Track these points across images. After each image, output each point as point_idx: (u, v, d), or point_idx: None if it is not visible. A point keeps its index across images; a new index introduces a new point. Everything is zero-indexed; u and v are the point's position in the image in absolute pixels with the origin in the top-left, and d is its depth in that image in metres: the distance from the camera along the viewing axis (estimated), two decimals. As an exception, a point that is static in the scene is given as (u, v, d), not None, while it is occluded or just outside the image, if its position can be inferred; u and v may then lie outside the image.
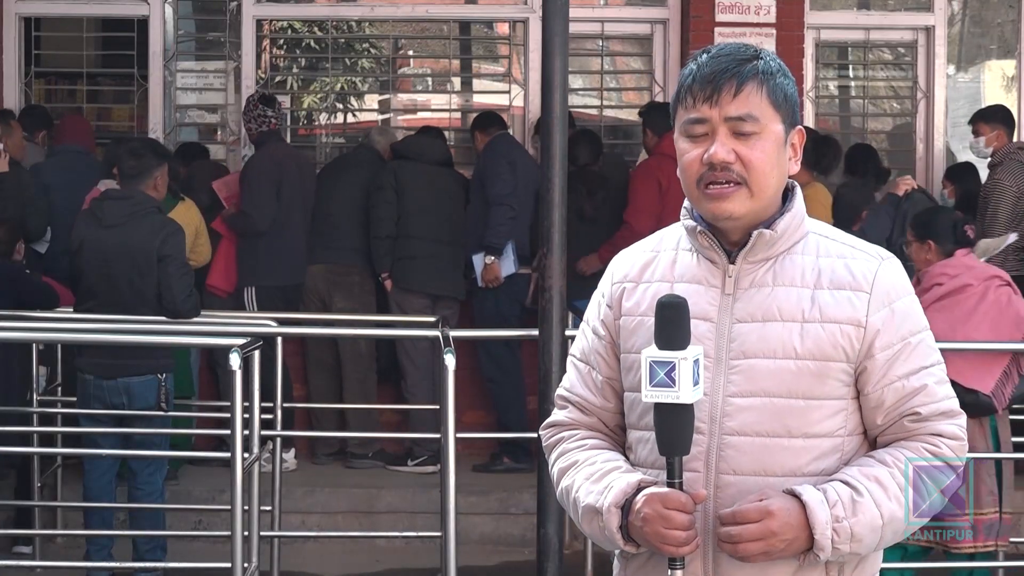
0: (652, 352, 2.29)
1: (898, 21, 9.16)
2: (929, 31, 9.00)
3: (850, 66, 9.50)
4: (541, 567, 5.44)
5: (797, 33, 8.57)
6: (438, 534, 5.63)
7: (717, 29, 8.40)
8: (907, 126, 9.16)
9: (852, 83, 9.51)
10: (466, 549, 6.28)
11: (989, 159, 8.08)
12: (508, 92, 9.10)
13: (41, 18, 9.00)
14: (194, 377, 7.74)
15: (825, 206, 7.35)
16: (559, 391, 2.62)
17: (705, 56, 2.43)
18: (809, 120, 8.79)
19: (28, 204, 7.43)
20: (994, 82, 9.49)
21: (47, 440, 7.05)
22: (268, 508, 6.10)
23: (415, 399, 7.91)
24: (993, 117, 8.15)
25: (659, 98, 8.75)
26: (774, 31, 8.44)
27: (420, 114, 9.73)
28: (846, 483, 2.33)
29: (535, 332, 5.64)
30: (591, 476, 2.44)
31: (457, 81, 9.52)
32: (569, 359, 2.63)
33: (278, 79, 9.50)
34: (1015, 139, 8.25)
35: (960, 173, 8.25)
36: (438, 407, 6.92)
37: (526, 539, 6.80)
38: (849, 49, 9.37)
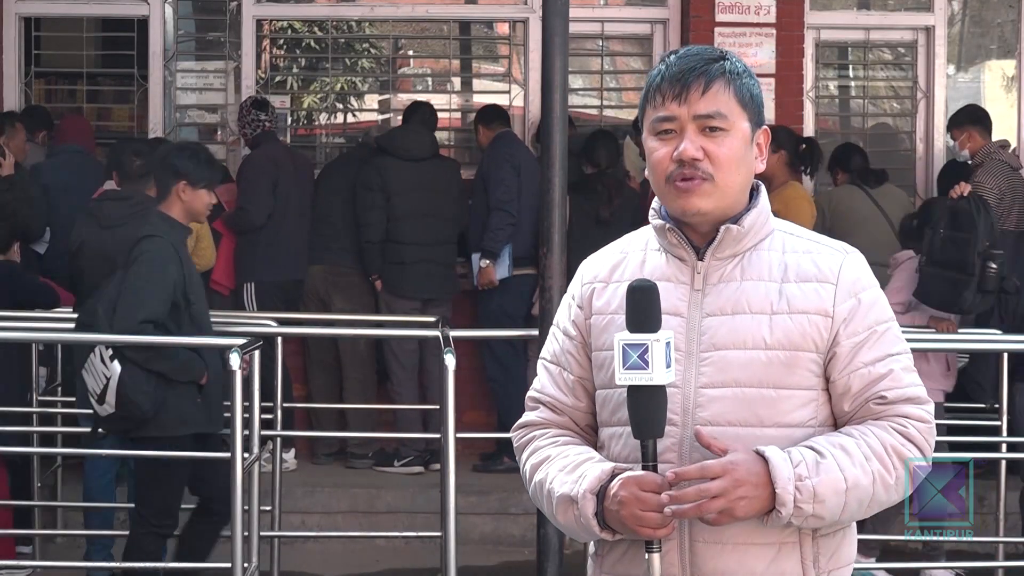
0: (624, 335, 2.33)
1: (898, 21, 9.16)
2: (929, 31, 9.00)
3: (850, 66, 9.50)
4: (541, 567, 5.44)
5: (797, 33, 8.57)
6: (438, 534, 5.62)
7: (717, 29, 8.41)
8: (907, 126, 9.16)
9: (852, 83, 9.51)
10: (466, 549, 6.27)
11: (970, 161, 8.05)
12: (508, 92, 9.09)
13: (41, 18, 9.00)
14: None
15: (802, 208, 7.24)
16: (530, 393, 2.65)
17: (673, 57, 2.48)
18: (809, 120, 8.79)
19: (28, 205, 7.43)
20: (994, 82, 9.49)
21: (47, 440, 7.06)
22: (268, 508, 6.10)
23: (401, 399, 7.91)
24: (961, 120, 8.08)
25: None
26: (774, 31, 8.44)
27: (420, 114, 9.72)
28: (810, 447, 2.36)
29: (535, 332, 5.65)
30: (565, 467, 2.47)
31: (457, 81, 9.52)
32: (539, 362, 2.66)
33: (278, 79, 9.50)
34: (996, 138, 8.19)
35: (956, 173, 8.18)
36: (430, 407, 6.94)
37: (526, 539, 6.79)
38: (849, 49, 9.37)
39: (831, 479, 2.32)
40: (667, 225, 2.49)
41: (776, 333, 2.41)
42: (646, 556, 2.35)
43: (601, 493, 2.38)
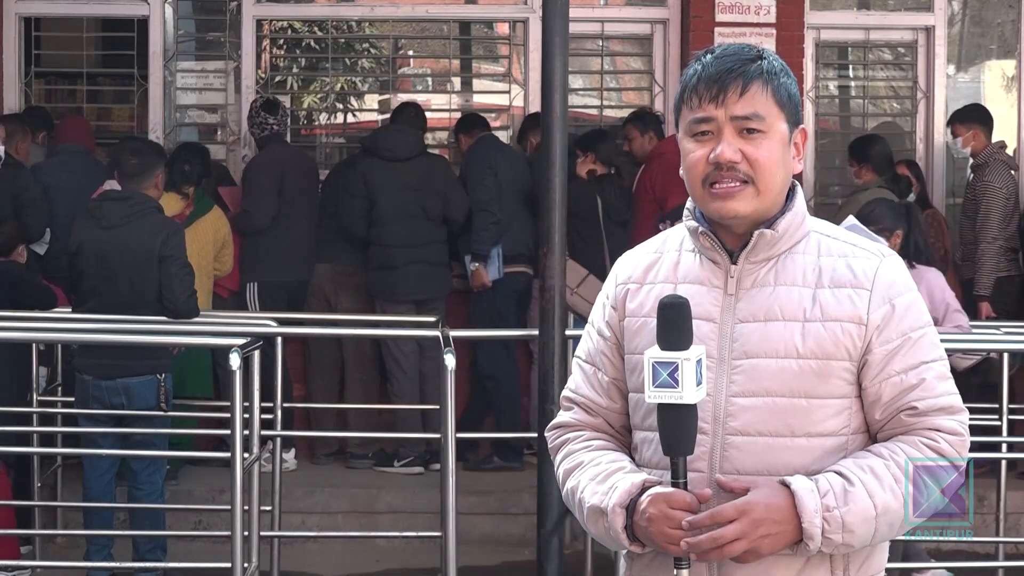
0: (655, 353, 2.29)
1: (898, 21, 9.16)
2: (929, 31, 9.00)
3: (850, 66, 9.50)
4: (541, 567, 5.44)
5: (797, 33, 8.57)
6: (438, 534, 5.63)
7: (717, 29, 8.41)
8: (907, 126, 9.16)
9: (852, 83, 9.51)
10: (466, 549, 6.27)
11: (971, 160, 8.04)
12: (508, 92, 9.10)
13: (41, 18, 9.00)
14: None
15: None
16: (565, 392, 2.63)
17: (709, 56, 2.44)
18: (809, 120, 8.78)
19: (28, 205, 7.43)
20: (994, 82, 9.48)
21: (47, 440, 7.05)
22: (268, 508, 6.10)
23: (400, 401, 7.89)
24: (968, 117, 8.07)
25: (658, 98, 8.79)
26: (774, 31, 8.44)
27: (420, 114, 9.72)
28: (839, 473, 2.33)
29: (535, 332, 5.65)
30: (596, 477, 2.45)
31: (457, 81, 9.52)
32: (574, 360, 2.64)
33: (278, 79, 9.50)
34: (995, 139, 8.20)
35: (914, 166, 8.15)
36: (430, 407, 6.93)
37: (526, 539, 6.79)
38: (849, 49, 9.37)
39: (860, 508, 2.30)
40: (700, 228, 2.46)
41: (808, 342, 2.37)
42: (675, 572, 2.34)
43: (631, 507, 2.36)
